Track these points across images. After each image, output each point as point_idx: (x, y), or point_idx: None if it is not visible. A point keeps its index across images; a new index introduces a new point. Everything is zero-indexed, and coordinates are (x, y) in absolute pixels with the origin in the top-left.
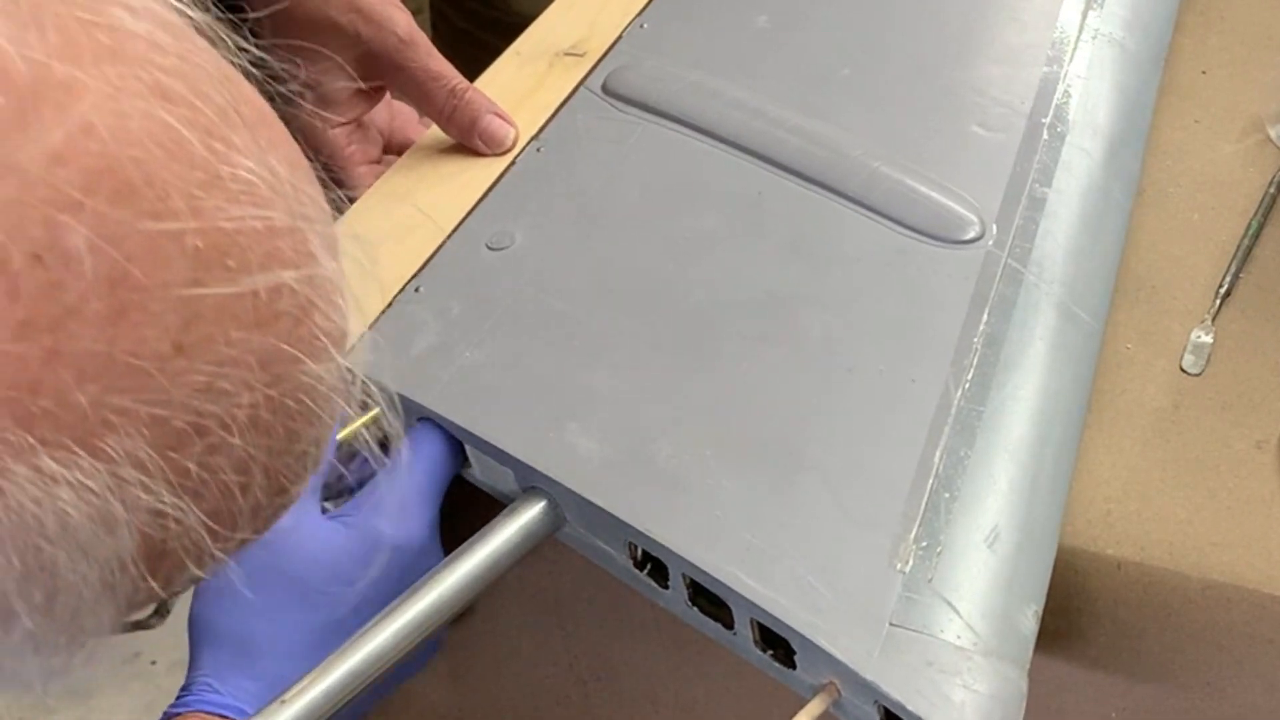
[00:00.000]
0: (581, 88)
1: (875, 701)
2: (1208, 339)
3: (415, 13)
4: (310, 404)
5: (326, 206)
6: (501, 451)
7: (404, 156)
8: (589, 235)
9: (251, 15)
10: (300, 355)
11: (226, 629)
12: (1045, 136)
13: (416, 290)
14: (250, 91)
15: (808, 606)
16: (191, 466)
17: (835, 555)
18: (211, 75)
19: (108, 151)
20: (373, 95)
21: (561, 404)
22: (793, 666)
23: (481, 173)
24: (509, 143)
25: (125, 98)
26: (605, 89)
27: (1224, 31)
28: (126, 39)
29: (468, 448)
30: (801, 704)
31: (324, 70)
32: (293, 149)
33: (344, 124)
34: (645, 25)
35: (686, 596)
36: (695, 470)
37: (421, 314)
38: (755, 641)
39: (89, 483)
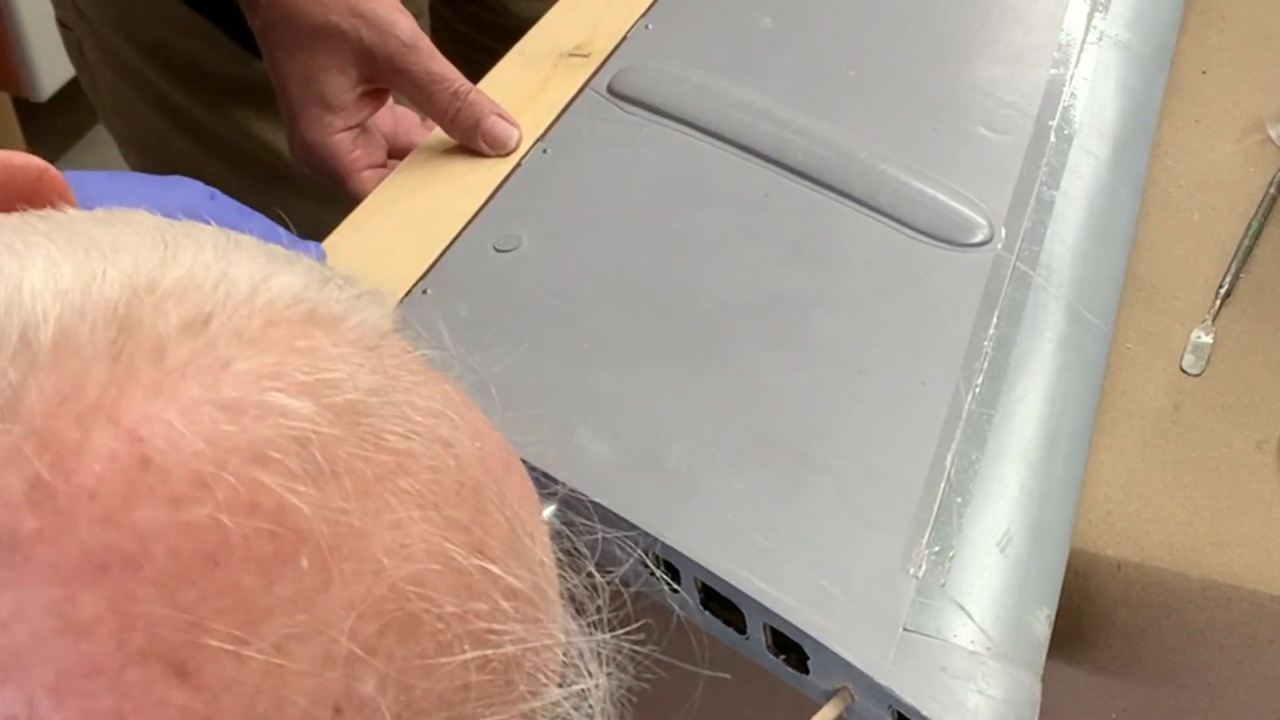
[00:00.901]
0: (587, 89)
1: (889, 706)
2: (1208, 339)
3: (415, 16)
4: None
5: (551, 553)
6: None
7: (408, 159)
8: (596, 237)
9: (255, 22)
10: (535, 712)
11: None
12: (1052, 139)
13: (424, 293)
14: (492, 444)
15: (821, 611)
16: None
17: (848, 559)
18: (471, 465)
19: (398, 594)
20: (376, 99)
21: (570, 406)
22: (806, 671)
23: (487, 174)
24: (513, 144)
25: (407, 531)
26: (610, 90)
27: (1224, 31)
28: (405, 465)
29: None
30: (815, 709)
31: (327, 75)
32: (525, 489)
33: (348, 129)
34: (650, 26)
35: (698, 600)
36: (706, 473)
37: (429, 316)
38: (768, 646)
39: None
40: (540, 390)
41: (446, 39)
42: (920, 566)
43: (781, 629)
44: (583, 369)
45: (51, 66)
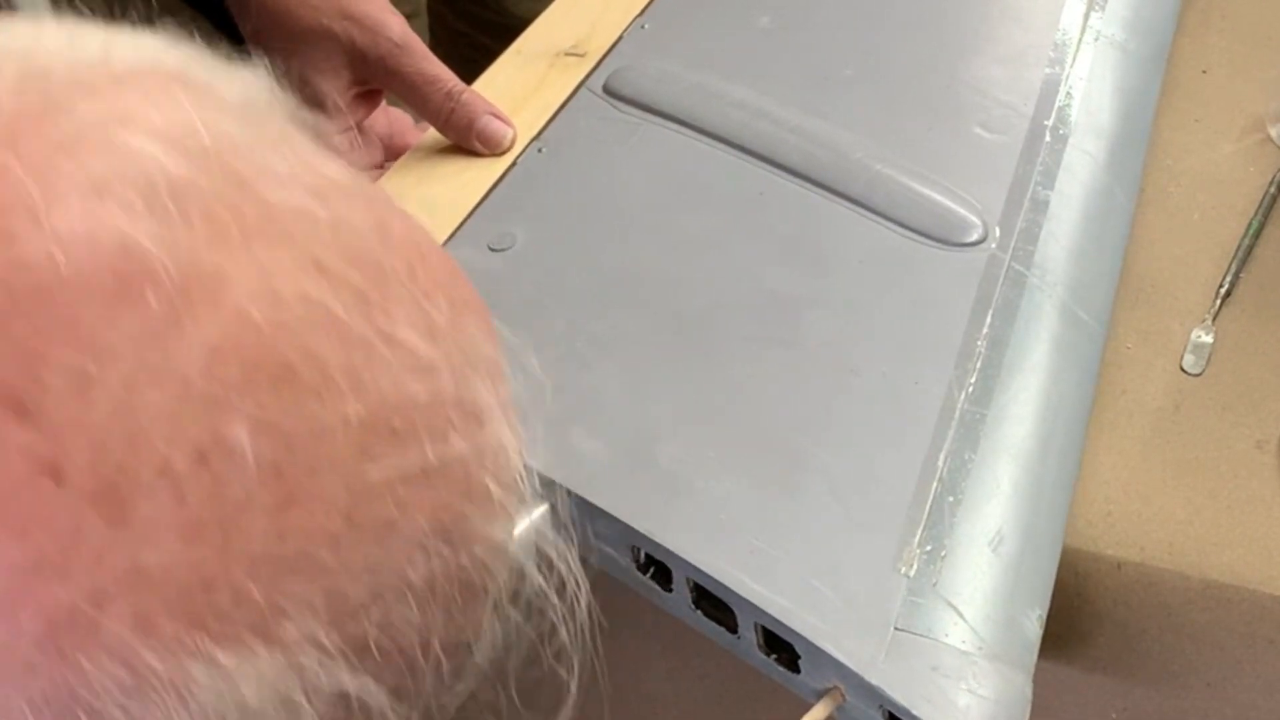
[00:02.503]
0: (582, 88)
1: (880, 706)
2: (1208, 339)
3: (411, 16)
4: (484, 558)
5: (492, 335)
6: None
7: (403, 158)
8: (591, 236)
9: (246, 26)
10: (471, 511)
11: None
12: (1048, 138)
13: None
14: (405, 229)
15: (812, 610)
16: (370, 640)
17: (839, 559)
18: (366, 234)
19: (264, 339)
20: (370, 101)
21: (564, 406)
22: (797, 671)
23: (482, 173)
24: (507, 143)
25: (278, 278)
26: (606, 89)
27: (1224, 31)
28: (275, 214)
29: None
30: (806, 708)
31: (320, 78)
32: (452, 282)
33: (344, 131)
34: (646, 25)
35: (690, 600)
36: (699, 473)
37: None
38: (759, 645)
39: (268, 673)
40: (534, 389)
41: (443, 37)
42: (912, 566)
43: (773, 628)
44: (577, 368)
45: None
